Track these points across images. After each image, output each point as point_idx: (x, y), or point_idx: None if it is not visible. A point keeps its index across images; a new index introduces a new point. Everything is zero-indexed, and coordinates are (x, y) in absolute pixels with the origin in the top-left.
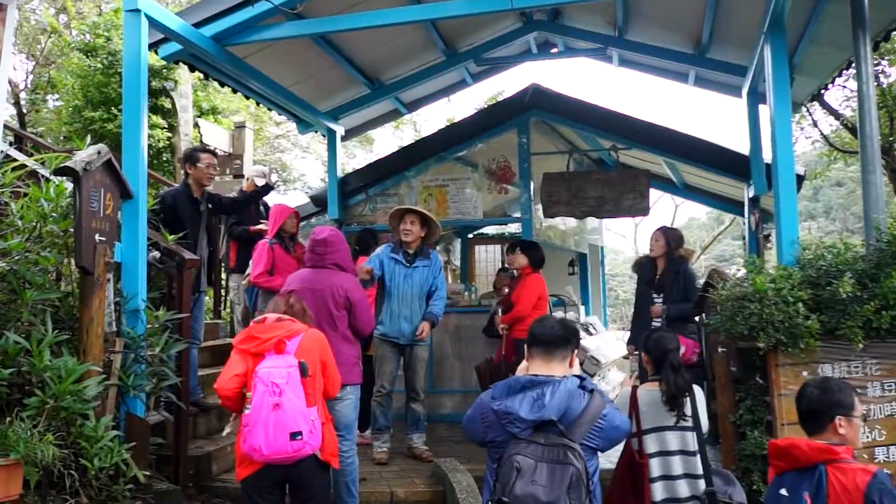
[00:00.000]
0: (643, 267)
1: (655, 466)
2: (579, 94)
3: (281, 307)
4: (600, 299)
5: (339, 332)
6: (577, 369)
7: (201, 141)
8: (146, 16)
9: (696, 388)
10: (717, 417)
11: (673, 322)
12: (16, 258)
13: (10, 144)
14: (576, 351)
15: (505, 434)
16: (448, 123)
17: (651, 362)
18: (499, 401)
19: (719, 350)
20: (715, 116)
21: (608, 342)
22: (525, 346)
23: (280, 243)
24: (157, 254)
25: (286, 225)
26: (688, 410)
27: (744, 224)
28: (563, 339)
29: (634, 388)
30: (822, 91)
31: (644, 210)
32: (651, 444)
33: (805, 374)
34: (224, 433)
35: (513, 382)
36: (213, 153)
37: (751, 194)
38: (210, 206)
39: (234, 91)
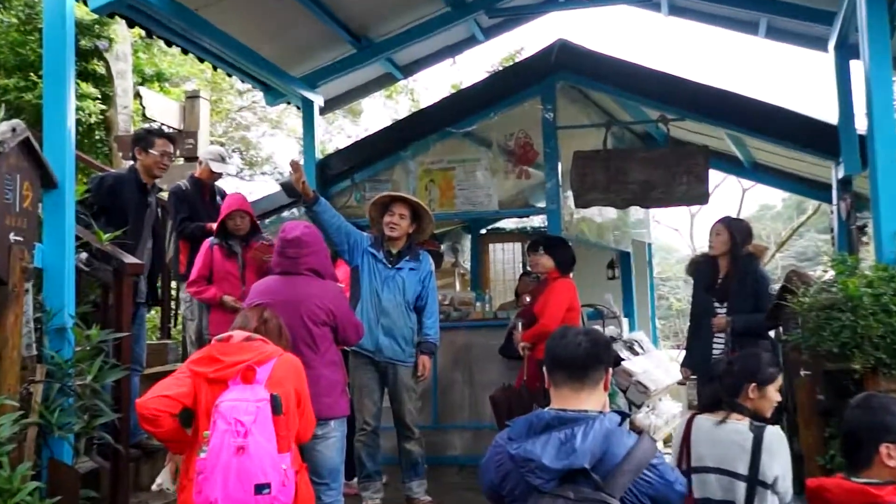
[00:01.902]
0: (701, 268)
1: None
2: (618, 52)
3: (252, 323)
4: (648, 310)
5: (320, 353)
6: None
7: (144, 115)
8: None
9: (771, 431)
10: (801, 459)
11: (740, 337)
12: None
13: None
14: (610, 370)
15: (525, 486)
16: (454, 91)
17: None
18: (517, 443)
19: (802, 373)
20: (793, 77)
21: (659, 364)
22: (544, 370)
23: (221, 244)
24: (84, 255)
25: (227, 223)
26: (743, 456)
27: (832, 213)
28: (593, 357)
29: (692, 416)
30: None
31: (702, 197)
32: (695, 486)
33: None
34: (154, 487)
35: (535, 419)
36: (171, 139)
37: (840, 175)
38: (159, 206)
39: (185, 52)
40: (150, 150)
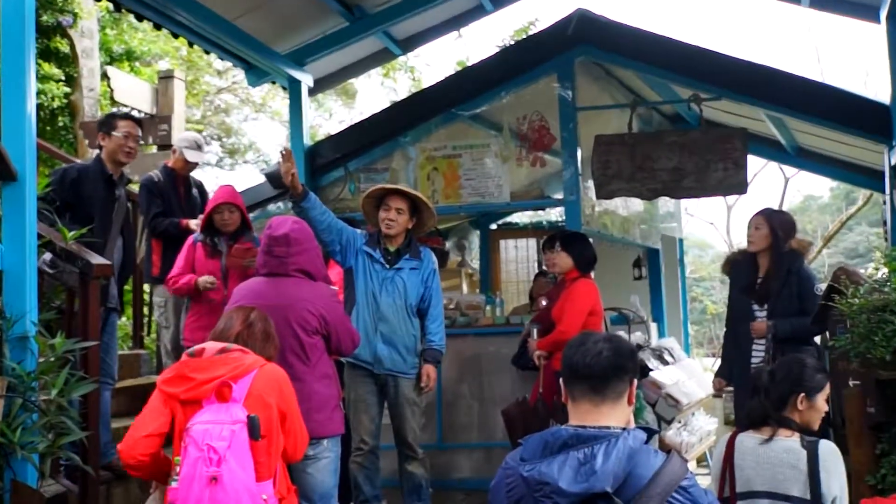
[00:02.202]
0: (739, 267)
1: None
2: (644, 24)
3: (235, 325)
4: (679, 313)
5: (311, 365)
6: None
7: (112, 98)
8: None
9: (826, 446)
10: (849, 478)
11: (782, 344)
12: None
13: None
14: (636, 382)
15: None
16: (459, 68)
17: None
18: (531, 464)
19: (851, 383)
20: (841, 51)
21: (691, 374)
22: (561, 382)
23: (206, 241)
24: (48, 255)
25: (214, 217)
26: (797, 476)
27: (884, 203)
28: (616, 367)
29: (733, 435)
30: None
31: (740, 186)
32: None
33: None
34: None
35: (550, 437)
36: (137, 121)
37: (894, 161)
38: (129, 200)
39: (157, 27)
40: (113, 133)
